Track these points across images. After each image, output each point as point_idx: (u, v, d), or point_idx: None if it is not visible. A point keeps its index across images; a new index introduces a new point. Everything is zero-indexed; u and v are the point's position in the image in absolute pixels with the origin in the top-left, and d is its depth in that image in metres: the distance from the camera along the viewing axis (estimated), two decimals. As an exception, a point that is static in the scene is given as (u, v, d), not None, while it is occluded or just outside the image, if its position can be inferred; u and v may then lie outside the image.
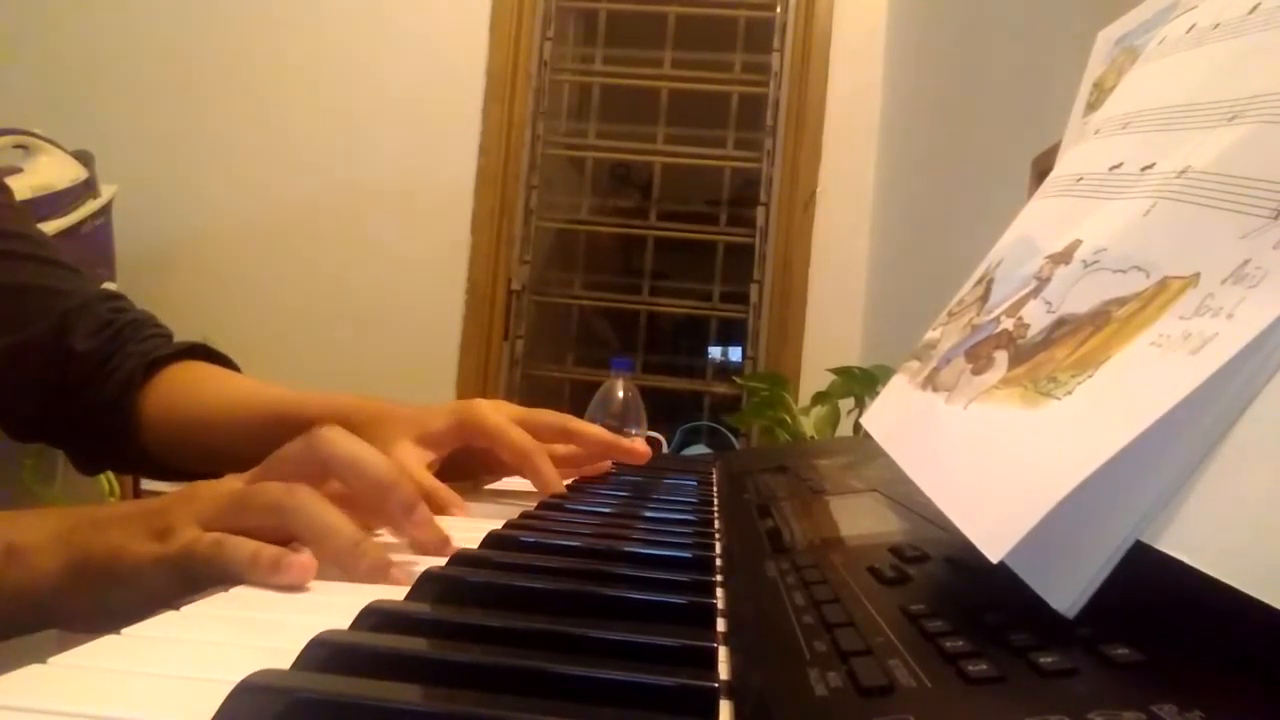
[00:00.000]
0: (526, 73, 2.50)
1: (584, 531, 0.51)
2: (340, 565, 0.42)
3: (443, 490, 0.59)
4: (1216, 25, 0.40)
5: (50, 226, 1.98)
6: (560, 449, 0.70)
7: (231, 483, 0.44)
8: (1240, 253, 0.27)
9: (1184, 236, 0.31)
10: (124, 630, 0.31)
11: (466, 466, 0.69)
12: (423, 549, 0.45)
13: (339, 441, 0.44)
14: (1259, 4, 0.37)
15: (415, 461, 0.62)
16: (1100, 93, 0.54)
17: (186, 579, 0.40)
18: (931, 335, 0.48)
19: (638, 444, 0.73)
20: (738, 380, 2.18)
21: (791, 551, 0.41)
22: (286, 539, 0.42)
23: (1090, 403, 0.28)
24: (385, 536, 0.47)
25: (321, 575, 0.39)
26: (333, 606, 0.33)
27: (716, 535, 0.53)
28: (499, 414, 0.65)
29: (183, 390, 0.75)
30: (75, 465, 0.79)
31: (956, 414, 0.37)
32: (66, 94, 2.45)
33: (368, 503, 0.45)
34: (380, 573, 0.41)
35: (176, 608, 0.34)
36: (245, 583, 0.38)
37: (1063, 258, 0.38)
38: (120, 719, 0.24)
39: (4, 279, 0.73)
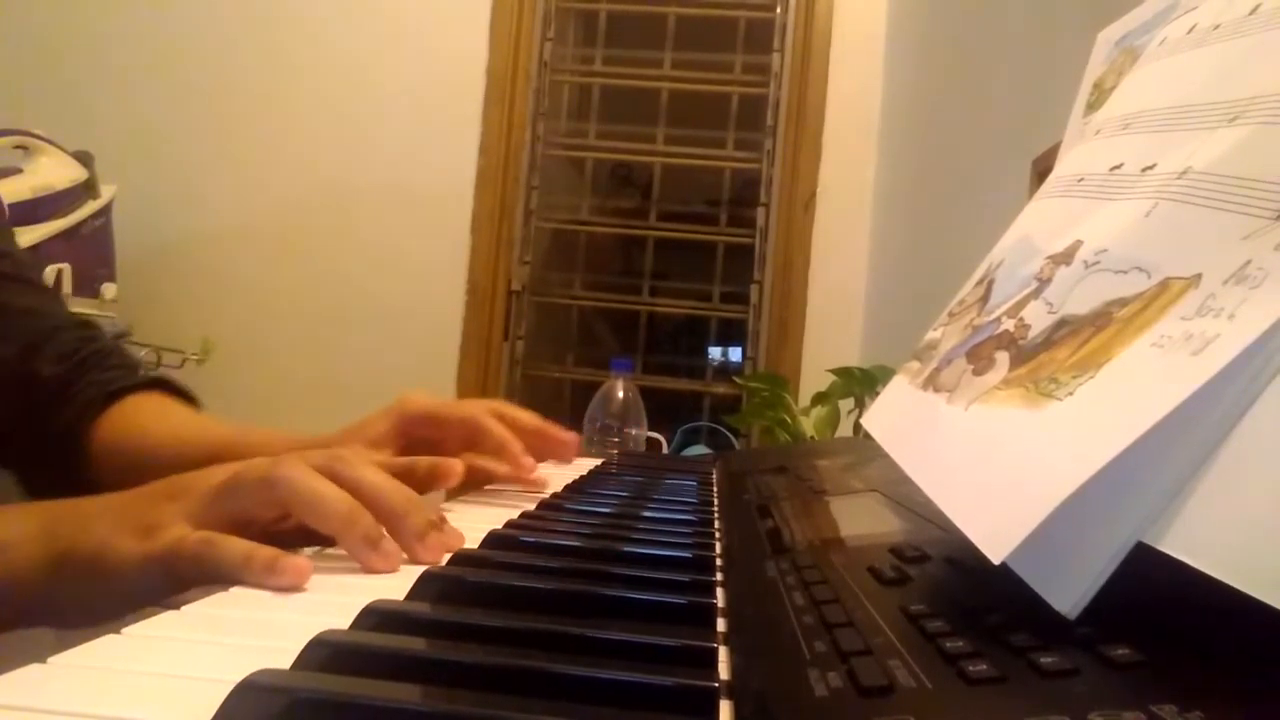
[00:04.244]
0: (526, 73, 2.50)
1: (584, 531, 0.51)
2: (333, 533, 0.42)
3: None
4: (1217, 26, 0.40)
5: (50, 226, 1.98)
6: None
7: (214, 475, 0.44)
8: (1242, 253, 0.27)
9: (1185, 237, 0.31)
10: (124, 630, 0.31)
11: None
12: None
13: (298, 480, 0.42)
14: (1259, 5, 0.37)
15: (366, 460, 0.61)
16: (1100, 93, 0.54)
17: (173, 577, 0.40)
18: (932, 336, 0.48)
19: (569, 436, 0.73)
20: (738, 381, 2.18)
21: (791, 551, 0.41)
22: (276, 533, 0.42)
23: (1092, 404, 0.28)
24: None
25: (319, 574, 0.39)
26: (332, 606, 0.33)
27: (716, 535, 0.53)
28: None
29: (136, 422, 0.74)
30: (27, 490, 0.77)
31: (958, 415, 0.37)
32: (66, 94, 2.45)
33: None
34: (372, 544, 0.41)
35: (176, 607, 0.34)
36: (237, 582, 0.38)
37: (1064, 258, 0.38)
38: (120, 719, 0.24)
39: None
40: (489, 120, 2.47)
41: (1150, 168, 0.37)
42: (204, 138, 2.49)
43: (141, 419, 0.75)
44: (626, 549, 0.46)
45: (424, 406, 0.67)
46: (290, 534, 0.44)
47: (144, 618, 0.32)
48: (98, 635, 0.29)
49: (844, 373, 1.40)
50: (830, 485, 0.62)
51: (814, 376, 2.04)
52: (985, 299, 0.44)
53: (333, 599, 0.37)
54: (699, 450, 1.88)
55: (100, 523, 0.43)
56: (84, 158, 2.11)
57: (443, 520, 0.47)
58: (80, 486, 0.73)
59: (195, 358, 2.15)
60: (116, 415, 0.74)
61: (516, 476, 0.68)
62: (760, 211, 2.44)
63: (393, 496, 0.44)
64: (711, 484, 0.78)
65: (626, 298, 2.65)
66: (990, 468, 0.32)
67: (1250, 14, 0.37)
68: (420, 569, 0.38)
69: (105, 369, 0.76)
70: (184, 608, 0.34)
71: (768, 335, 2.41)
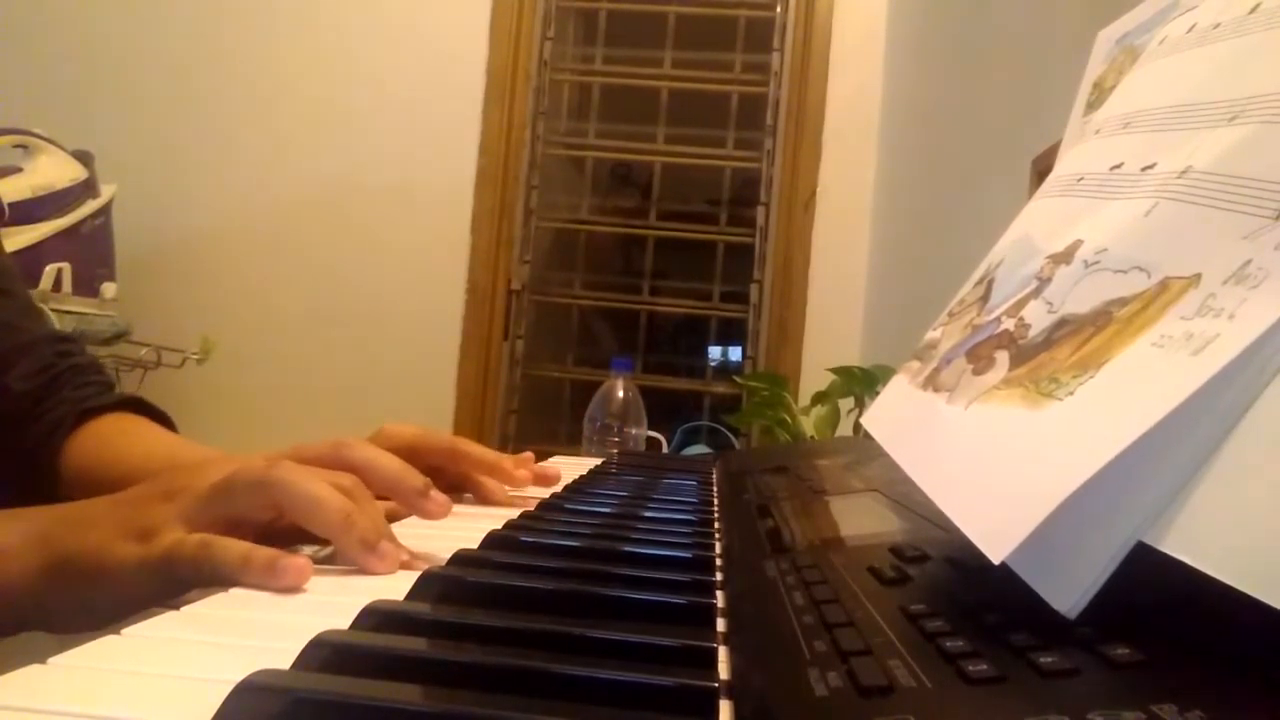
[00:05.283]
0: (526, 72, 2.50)
1: (584, 531, 0.51)
2: (330, 536, 0.42)
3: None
4: (1217, 25, 0.40)
5: (50, 226, 1.98)
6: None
7: (209, 474, 0.44)
8: (1242, 253, 0.27)
9: (1185, 237, 0.31)
10: (124, 630, 0.31)
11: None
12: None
13: (294, 483, 0.42)
14: (1259, 4, 0.37)
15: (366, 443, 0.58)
16: (1100, 92, 0.54)
17: (170, 581, 0.40)
18: (932, 335, 0.48)
19: (522, 473, 0.69)
20: (738, 380, 2.18)
21: (791, 551, 0.41)
22: (272, 533, 0.42)
23: (1092, 403, 0.28)
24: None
25: (319, 574, 0.39)
26: (332, 606, 0.33)
27: (716, 535, 0.53)
28: (372, 448, 0.55)
29: (107, 442, 0.73)
30: None
31: (957, 414, 0.37)
32: (66, 94, 2.45)
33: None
34: (369, 547, 0.41)
35: (176, 607, 0.33)
36: (236, 584, 0.38)
37: (1064, 258, 0.38)
38: (120, 719, 0.24)
39: None
40: (489, 119, 2.47)
41: (1150, 167, 0.37)
42: (204, 138, 2.49)
43: (116, 440, 0.73)
44: (626, 549, 0.46)
45: (405, 438, 0.65)
46: (285, 532, 0.44)
47: (144, 619, 0.32)
48: (97, 636, 0.29)
49: (844, 372, 1.40)
50: (830, 485, 0.62)
51: (814, 376, 2.04)
52: (985, 298, 0.44)
53: (332, 599, 0.37)
54: (699, 450, 1.88)
55: (96, 526, 0.42)
56: (84, 157, 2.11)
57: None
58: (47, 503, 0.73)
59: (195, 357, 2.14)
60: (90, 434, 0.73)
61: (508, 500, 0.67)
62: (760, 211, 2.44)
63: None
64: (711, 484, 0.78)
65: (626, 297, 2.65)
66: (990, 467, 0.32)
67: (1250, 13, 0.37)
68: (418, 571, 0.38)
69: (79, 386, 0.75)
70: (184, 609, 0.34)
71: (768, 335, 2.41)
